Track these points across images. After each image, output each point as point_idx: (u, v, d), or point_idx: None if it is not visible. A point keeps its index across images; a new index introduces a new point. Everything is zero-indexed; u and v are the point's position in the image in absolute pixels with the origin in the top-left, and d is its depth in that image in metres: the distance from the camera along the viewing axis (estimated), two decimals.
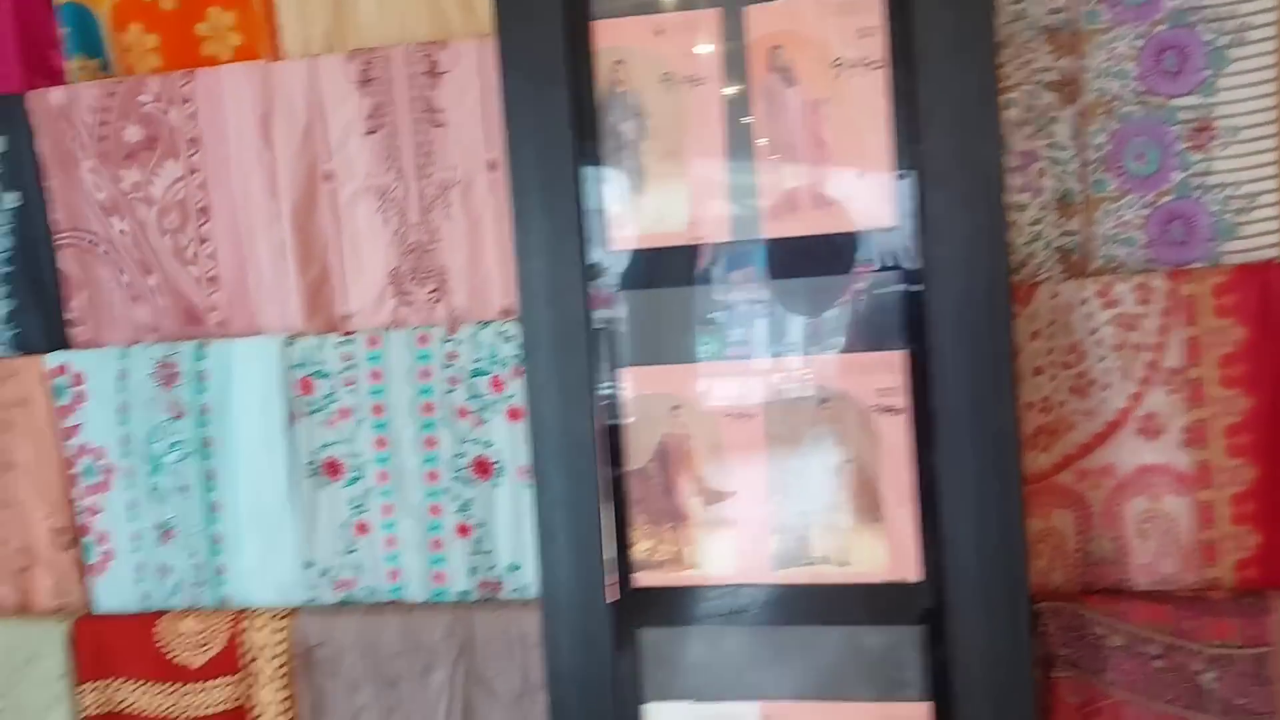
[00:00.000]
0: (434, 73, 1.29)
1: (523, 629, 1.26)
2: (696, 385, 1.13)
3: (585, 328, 1.14)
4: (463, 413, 1.30)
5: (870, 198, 1.07)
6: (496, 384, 1.29)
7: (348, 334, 1.33)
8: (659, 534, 1.14)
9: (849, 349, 1.09)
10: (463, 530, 1.32)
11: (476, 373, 1.29)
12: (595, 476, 1.14)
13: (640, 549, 1.14)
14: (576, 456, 1.15)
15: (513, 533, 1.31)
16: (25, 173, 1.40)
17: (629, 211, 1.13)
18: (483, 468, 1.31)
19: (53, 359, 1.39)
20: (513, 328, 1.28)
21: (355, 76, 1.31)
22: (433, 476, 1.32)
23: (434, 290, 1.34)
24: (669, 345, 1.13)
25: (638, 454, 1.14)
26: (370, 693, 1.30)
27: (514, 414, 1.29)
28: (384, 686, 1.30)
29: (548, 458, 1.16)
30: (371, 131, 1.32)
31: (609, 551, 1.14)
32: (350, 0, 1.33)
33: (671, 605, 1.14)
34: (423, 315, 1.34)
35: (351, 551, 1.35)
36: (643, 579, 1.14)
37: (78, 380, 1.38)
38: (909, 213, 1.06)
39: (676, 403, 1.13)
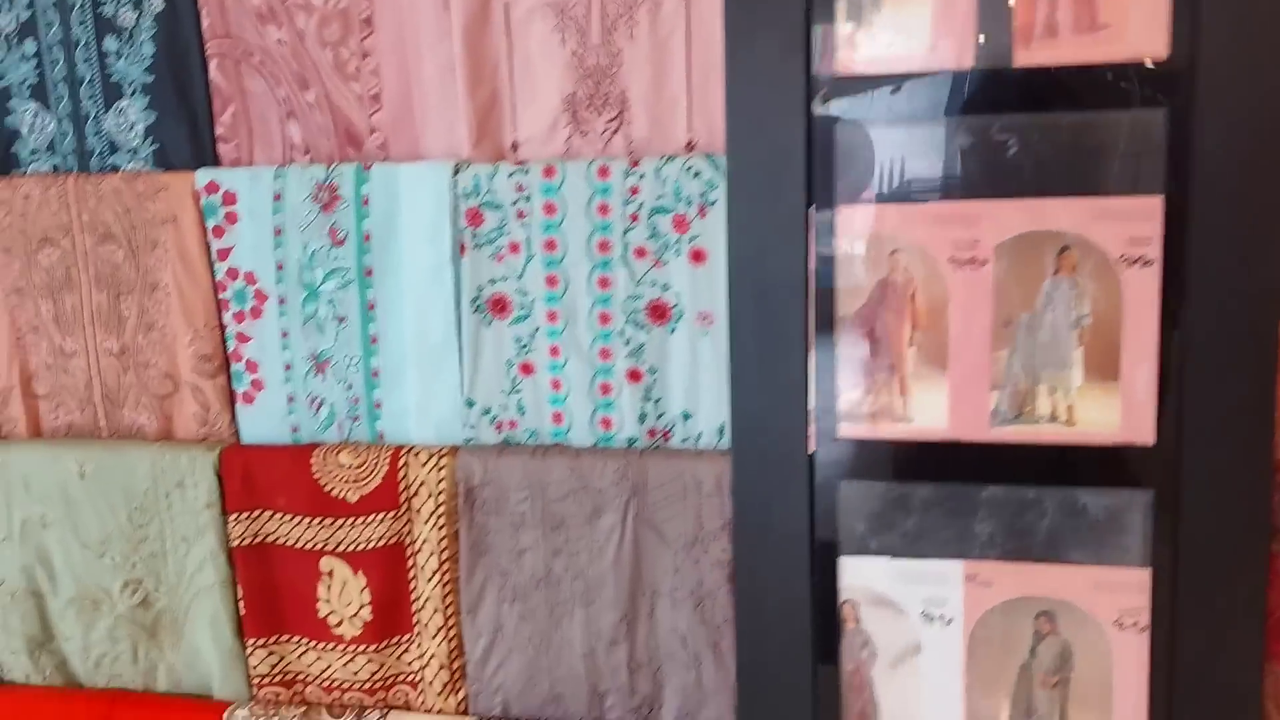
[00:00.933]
0: None
1: (697, 476, 1.22)
2: (922, 227, 1.05)
3: (802, 161, 1.06)
4: (641, 253, 1.23)
5: (1140, 23, 0.97)
6: (679, 223, 1.21)
7: (521, 163, 1.25)
8: (869, 384, 1.08)
9: (1100, 192, 1.00)
10: (634, 375, 1.26)
11: (658, 210, 1.22)
12: (803, 322, 1.08)
13: (847, 399, 1.08)
14: (783, 300, 1.08)
15: (687, 380, 1.25)
16: None
17: (860, 32, 1.03)
18: (659, 311, 1.24)
19: (203, 176, 1.32)
20: (700, 163, 1.19)
21: None
22: (605, 319, 1.26)
23: (613, 119, 1.25)
24: (894, 182, 1.05)
25: (851, 299, 1.07)
26: (535, 534, 1.27)
27: (697, 256, 1.22)
28: (550, 528, 1.27)
29: (748, 301, 1.09)
30: None
31: (813, 400, 1.09)
32: None
33: (877, 459, 1.09)
34: (598, 146, 1.26)
35: (515, 392, 1.30)
36: (848, 430, 1.09)
37: (230, 199, 1.32)
38: (1184, 42, 0.96)
39: (898, 245, 1.05)
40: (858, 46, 1.03)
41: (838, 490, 1.10)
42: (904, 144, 1.04)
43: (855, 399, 1.08)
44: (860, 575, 1.10)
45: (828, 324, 1.08)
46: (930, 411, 1.07)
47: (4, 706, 1.44)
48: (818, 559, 1.11)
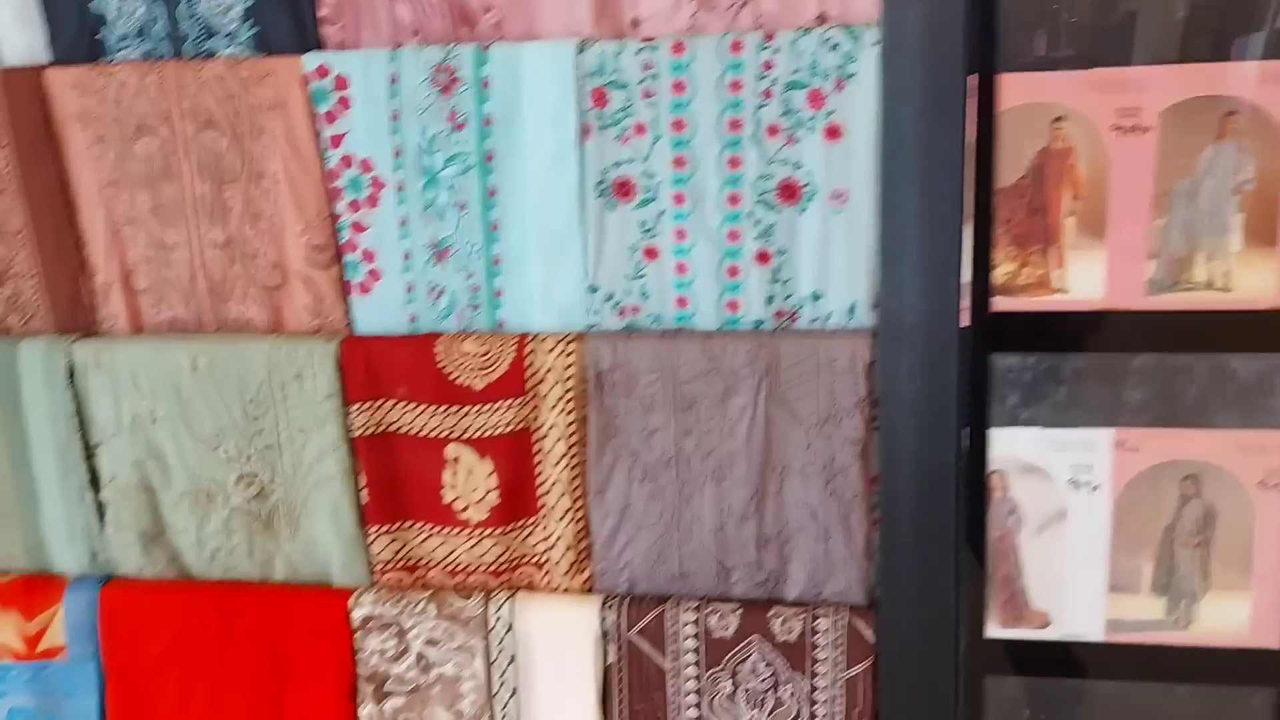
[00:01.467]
0: None
1: (831, 354, 1.23)
2: (1085, 94, 1.04)
3: (961, 27, 1.04)
4: (773, 130, 1.22)
5: None
6: (815, 99, 1.20)
7: (648, 40, 1.22)
8: (1025, 257, 1.09)
9: (1265, 55, 1.00)
10: (762, 257, 1.26)
11: (793, 85, 1.20)
12: (958, 194, 1.08)
13: (1002, 272, 1.09)
14: (938, 171, 1.08)
15: (817, 260, 1.25)
16: None
17: None
18: (790, 191, 1.24)
19: (312, 59, 1.28)
20: (839, 34, 1.17)
21: None
22: (734, 200, 1.25)
23: None
24: (1056, 49, 1.04)
25: (1009, 170, 1.07)
26: (665, 414, 1.28)
27: (832, 132, 1.20)
28: (680, 409, 1.28)
29: (902, 174, 1.09)
30: None
31: (967, 274, 1.10)
32: None
33: (1031, 331, 1.11)
34: (724, 22, 1.23)
35: (639, 277, 1.29)
36: (1002, 304, 1.10)
37: (342, 84, 1.28)
38: None
39: (1060, 113, 1.05)
40: None
41: (989, 363, 1.11)
42: (1066, 9, 1.03)
43: (1010, 272, 1.09)
44: (1009, 446, 1.13)
45: (984, 196, 1.08)
46: (1086, 282, 1.08)
47: (123, 600, 1.45)
48: (967, 432, 1.13)
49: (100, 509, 1.46)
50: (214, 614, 1.43)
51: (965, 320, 1.10)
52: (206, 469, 1.41)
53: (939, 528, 1.15)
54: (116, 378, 1.40)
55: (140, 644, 1.45)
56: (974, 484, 1.14)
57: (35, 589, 1.47)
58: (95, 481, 1.45)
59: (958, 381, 1.12)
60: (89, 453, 1.44)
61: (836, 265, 1.24)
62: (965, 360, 1.11)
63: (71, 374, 1.41)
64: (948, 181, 1.07)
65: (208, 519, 1.44)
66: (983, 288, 1.09)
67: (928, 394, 1.13)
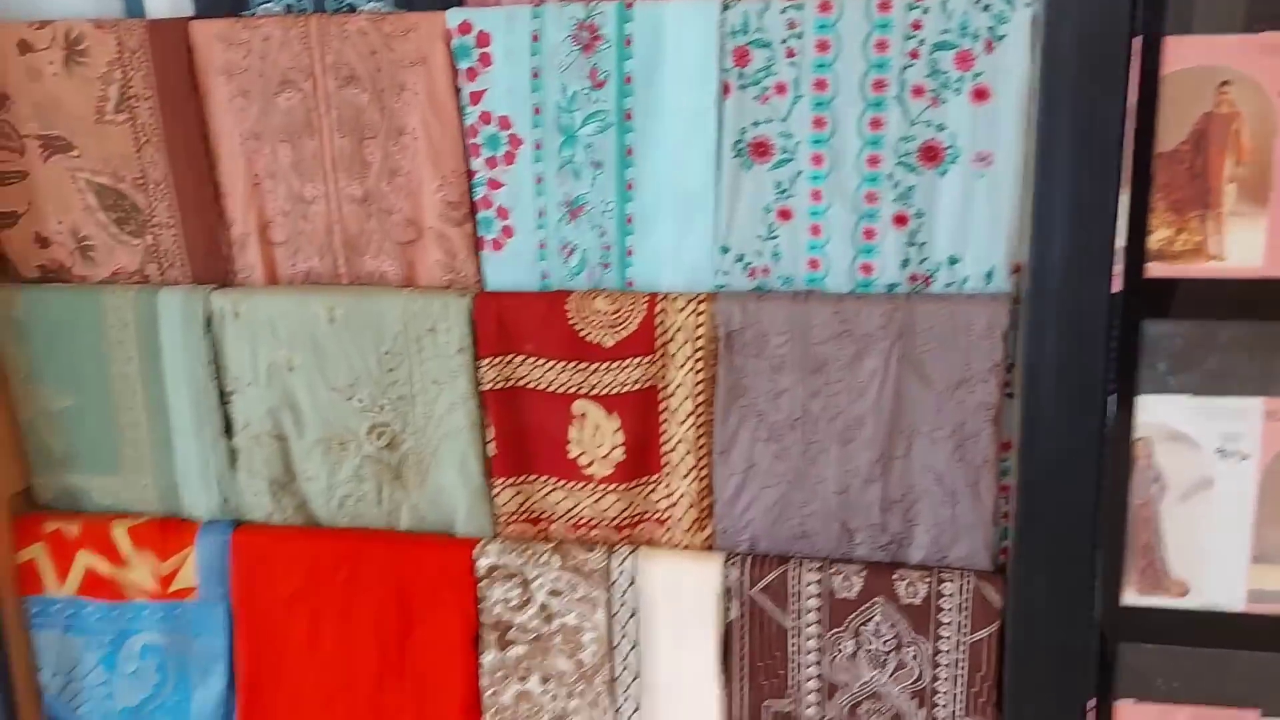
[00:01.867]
0: None
1: (969, 319, 1.23)
2: (1255, 57, 1.02)
3: None
4: (918, 91, 1.21)
5: None
6: (963, 59, 1.19)
7: None
8: (1183, 222, 1.07)
9: None
10: (899, 220, 1.26)
11: (941, 46, 1.19)
12: (1116, 158, 1.06)
13: (1158, 238, 1.08)
14: (1096, 135, 1.07)
15: (956, 224, 1.24)
16: None
17: None
18: (931, 153, 1.23)
19: (455, 16, 1.30)
20: None
21: None
22: (873, 161, 1.25)
23: None
24: (1226, 10, 1.02)
25: (1170, 134, 1.06)
26: (795, 376, 1.29)
27: (980, 94, 1.19)
28: (810, 370, 1.28)
29: (1058, 137, 1.08)
30: None
31: (1121, 239, 1.08)
32: None
33: (1184, 297, 1.09)
34: None
35: (771, 238, 1.30)
36: (1157, 270, 1.09)
37: (484, 40, 1.29)
38: None
39: (1227, 77, 1.03)
40: None
41: (1140, 330, 1.10)
42: None
43: (1166, 238, 1.08)
44: (1156, 413, 1.12)
45: (1144, 160, 1.06)
46: (1246, 249, 1.06)
47: (255, 544, 1.50)
48: (1114, 398, 1.12)
49: (232, 455, 1.50)
50: (342, 560, 1.47)
51: (1117, 285, 1.09)
52: (340, 417, 1.45)
53: (1079, 494, 1.15)
54: (254, 327, 1.43)
55: (270, 587, 1.50)
56: (1117, 451, 1.14)
57: (169, 531, 1.53)
58: (229, 428, 1.50)
59: (1105, 347, 1.11)
60: (223, 400, 1.48)
61: (977, 229, 1.24)
62: (1115, 326, 1.10)
63: (209, 323, 1.45)
64: (1106, 145, 1.06)
65: (339, 467, 1.48)
66: (1137, 253, 1.08)
67: (1074, 359, 1.12)
